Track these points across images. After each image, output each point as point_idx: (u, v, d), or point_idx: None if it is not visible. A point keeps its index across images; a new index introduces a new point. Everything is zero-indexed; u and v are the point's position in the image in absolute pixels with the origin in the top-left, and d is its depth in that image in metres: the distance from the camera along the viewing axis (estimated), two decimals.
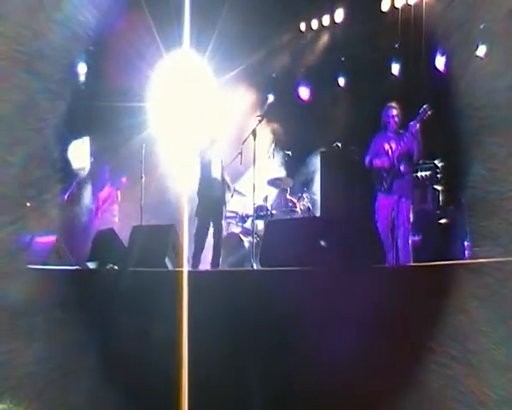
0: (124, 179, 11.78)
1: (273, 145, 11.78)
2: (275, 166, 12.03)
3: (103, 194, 12.00)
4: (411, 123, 8.31)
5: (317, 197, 10.82)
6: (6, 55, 5.24)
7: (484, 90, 5.08)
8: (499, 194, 4.66)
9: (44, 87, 5.61)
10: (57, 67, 5.80)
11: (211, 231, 9.78)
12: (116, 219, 11.91)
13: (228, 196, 10.88)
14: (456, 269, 4.95)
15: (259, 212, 10.69)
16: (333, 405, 4.80)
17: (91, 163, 11.50)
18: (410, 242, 8.38)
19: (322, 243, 5.78)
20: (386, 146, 8.54)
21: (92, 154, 11.62)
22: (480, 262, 4.60)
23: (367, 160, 8.68)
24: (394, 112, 8.61)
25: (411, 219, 8.52)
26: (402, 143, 8.40)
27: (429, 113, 8.19)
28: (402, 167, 8.44)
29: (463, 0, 5.32)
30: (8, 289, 5.57)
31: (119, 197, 11.96)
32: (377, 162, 8.54)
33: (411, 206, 8.57)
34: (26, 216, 5.89)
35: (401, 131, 8.53)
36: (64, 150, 7.09)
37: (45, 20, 5.55)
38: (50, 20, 5.62)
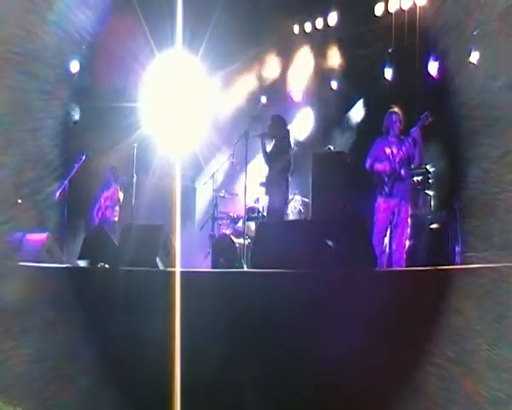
0: (124, 179, 11.77)
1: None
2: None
3: (106, 193, 12.00)
4: (413, 129, 8.33)
5: (309, 200, 10.84)
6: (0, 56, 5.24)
7: (477, 90, 5.11)
8: (494, 194, 4.69)
9: (38, 88, 5.62)
10: (51, 67, 5.81)
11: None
12: (116, 219, 11.91)
13: None
14: (451, 270, 4.98)
15: (251, 213, 10.69)
16: (328, 406, 4.82)
17: (83, 161, 11.44)
18: (404, 245, 8.39)
19: (329, 243, 5.78)
20: (388, 151, 8.55)
21: (84, 152, 11.57)
22: (476, 267, 4.62)
23: (367, 163, 8.69)
24: (397, 117, 8.63)
25: (410, 224, 8.55)
26: (403, 149, 8.42)
27: (430, 119, 8.20)
28: (403, 172, 8.46)
29: (457, 1, 5.33)
30: (1, 288, 5.57)
31: (122, 198, 11.97)
32: (378, 167, 8.55)
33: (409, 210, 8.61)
34: (18, 215, 5.89)
35: (402, 137, 8.55)
36: (57, 149, 7.10)
37: (39, 21, 5.55)
38: (44, 21, 5.62)
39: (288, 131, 10.37)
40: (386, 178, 8.49)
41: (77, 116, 12.72)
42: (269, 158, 10.13)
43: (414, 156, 8.43)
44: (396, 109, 8.69)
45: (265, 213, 10.42)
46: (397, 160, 8.45)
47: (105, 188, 12.08)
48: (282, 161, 9.97)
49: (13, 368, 5.46)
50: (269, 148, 10.21)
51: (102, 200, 11.99)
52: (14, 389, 5.56)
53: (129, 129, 12.01)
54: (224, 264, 10.16)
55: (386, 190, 8.48)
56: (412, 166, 8.65)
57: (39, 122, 5.78)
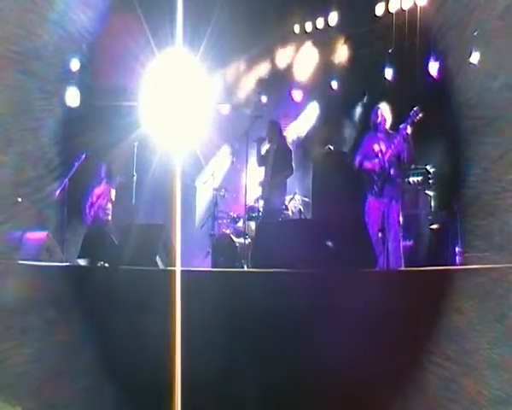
0: (119, 178, 11.74)
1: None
2: None
3: (98, 191, 11.95)
4: (402, 125, 8.25)
5: (309, 199, 10.84)
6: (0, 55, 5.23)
7: (477, 90, 5.10)
8: (494, 194, 4.68)
9: (38, 87, 5.61)
10: (51, 66, 5.80)
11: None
12: (109, 218, 11.87)
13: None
14: (451, 271, 4.97)
15: (251, 213, 10.68)
16: (327, 406, 4.81)
17: (83, 160, 11.44)
18: (401, 246, 8.35)
19: (329, 242, 5.78)
20: (377, 147, 8.46)
21: (84, 151, 11.57)
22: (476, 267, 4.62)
23: (357, 160, 8.61)
24: (383, 112, 8.55)
25: (402, 223, 8.50)
26: (392, 146, 8.32)
27: (420, 115, 8.14)
28: (392, 170, 8.37)
29: (457, 1, 5.33)
30: (0, 287, 5.57)
31: (114, 196, 11.93)
32: (367, 165, 8.47)
33: (401, 209, 8.56)
34: (18, 214, 5.89)
35: (391, 132, 8.48)
36: (57, 148, 7.10)
37: (39, 20, 5.54)
38: (44, 20, 5.61)
39: (284, 137, 10.42)
40: (375, 177, 8.42)
41: (76, 114, 12.63)
42: (265, 162, 10.17)
43: (404, 154, 8.35)
44: (382, 104, 8.64)
45: (261, 216, 10.41)
46: (386, 157, 8.36)
47: (96, 186, 12.02)
48: (279, 166, 9.99)
49: (12, 368, 5.45)
50: (264, 151, 10.26)
51: (94, 198, 11.94)
52: (14, 389, 5.55)
53: (129, 128, 12.01)
54: (224, 263, 10.15)
55: (376, 189, 8.41)
56: (402, 164, 8.59)
57: (39, 121, 5.78)
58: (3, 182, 5.40)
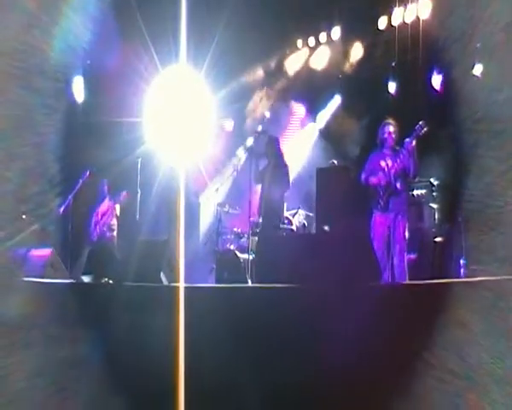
0: (124, 194, 11.73)
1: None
2: None
3: (102, 208, 11.96)
4: (407, 140, 8.28)
5: (313, 214, 10.83)
6: (2, 71, 5.23)
7: (481, 103, 5.09)
8: (497, 208, 4.67)
9: (41, 102, 5.61)
10: (54, 82, 5.80)
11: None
12: (114, 234, 11.87)
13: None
14: (455, 284, 4.95)
15: (255, 228, 10.66)
16: None
17: (87, 177, 11.46)
18: (405, 260, 8.34)
19: (332, 257, 5.77)
20: (383, 163, 8.50)
21: (88, 168, 11.59)
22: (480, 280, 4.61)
23: (362, 177, 8.65)
24: (391, 129, 8.57)
25: (407, 237, 8.49)
26: (398, 161, 8.37)
27: (425, 129, 8.17)
28: (398, 185, 8.40)
29: (460, 15, 5.33)
30: (4, 304, 5.55)
31: (118, 212, 11.92)
32: (373, 180, 8.50)
33: (407, 224, 8.55)
34: (22, 231, 5.87)
35: (397, 149, 8.50)
36: (60, 165, 7.11)
37: (42, 35, 5.55)
38: (47, 36, 5.62)
39: (282, 153, 10.41)
40: (381, 192, 8.45)
41: (80, 130, 12.61)
42: (262, 178, 10.16)
43: (409, 168, 8.38)
44: (390, 120, 8.65)
45: (258, 230, 10.36)
46: (392, 172, 8.40)
47: (100, 203, 12.03)
48: (276, 181, 9.99)
49: (15, 384, 5.44)
50: (262, 167, 10.27)
51: (99, 216, 11.93)
52: (16, 405, 5.53)
53: (133, 144, 12.02)
54: (229, 279, 10.12)
55: (382, 203, 8.43)
56: (408, 178, 8.60)
57: (42, 137, 5.77)
58: (7, 198, 5.39)
